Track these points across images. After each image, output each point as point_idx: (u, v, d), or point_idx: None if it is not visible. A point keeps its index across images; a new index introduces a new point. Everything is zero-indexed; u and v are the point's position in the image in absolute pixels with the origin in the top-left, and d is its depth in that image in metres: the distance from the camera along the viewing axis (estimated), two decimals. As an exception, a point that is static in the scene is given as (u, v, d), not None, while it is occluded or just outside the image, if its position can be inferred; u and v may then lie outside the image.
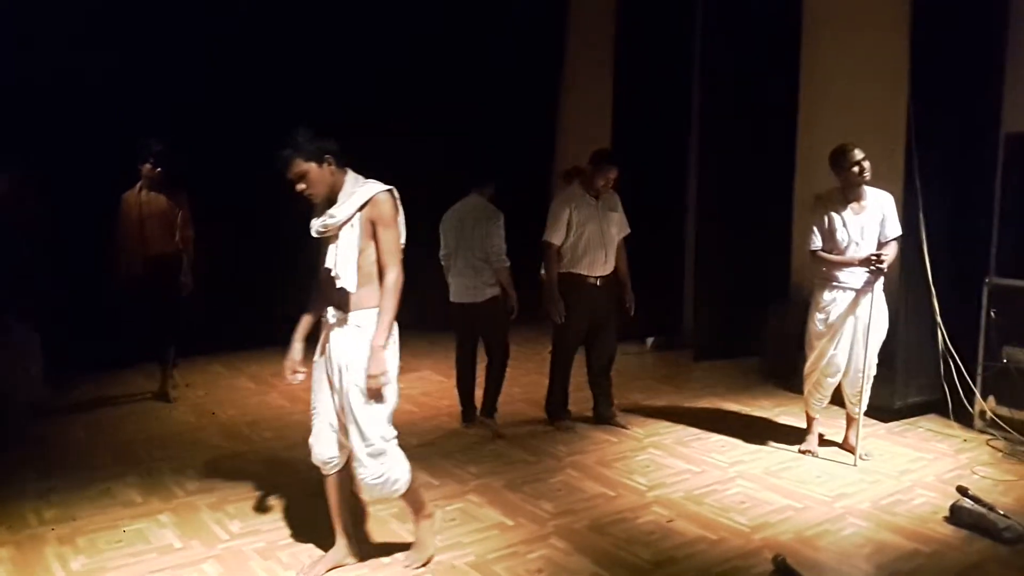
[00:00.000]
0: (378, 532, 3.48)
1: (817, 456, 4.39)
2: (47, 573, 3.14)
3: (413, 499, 3.14)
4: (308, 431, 3.10)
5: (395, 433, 3.01)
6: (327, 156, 2.88)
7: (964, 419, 4.84)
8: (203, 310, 5.72)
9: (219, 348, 6.45)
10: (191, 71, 6.20)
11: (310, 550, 3.29)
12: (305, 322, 3.09)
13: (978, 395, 4.76)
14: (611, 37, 7.35)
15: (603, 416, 4.95)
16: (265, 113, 5.33)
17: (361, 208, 2.88)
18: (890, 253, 4.15)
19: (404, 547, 3.32)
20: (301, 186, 2.89)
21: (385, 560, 3.23)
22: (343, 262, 2.87)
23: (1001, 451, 4.46)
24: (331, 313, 2.98)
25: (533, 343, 6.85)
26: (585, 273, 4.69)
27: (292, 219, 3.02)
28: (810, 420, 4.53)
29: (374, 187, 2.93)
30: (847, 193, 4.19)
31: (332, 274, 2.88)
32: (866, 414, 4.44)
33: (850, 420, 4.46)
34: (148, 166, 5.13)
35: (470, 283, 4.76)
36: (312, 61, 6.65)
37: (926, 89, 4.87)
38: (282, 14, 6.60)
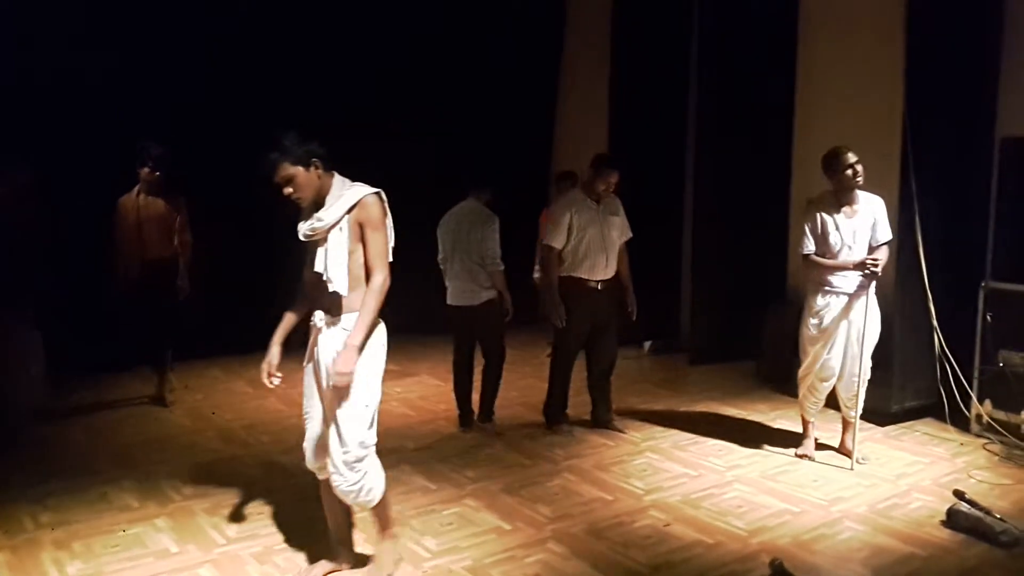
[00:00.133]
0: (375, 536, 3.47)
1: (814, 460, 4.39)
2: (43, 577, 3.14)
3: (383, 513, 3.08)
4: (304, 435, 3.09)
5: (375, 440, 2.98)
6: (314, 160, 2.85)
7: (960, 423, 4.85)
8: (201, 313, 5.72)
9: (216, 352, 6.44)
10: (191, 71, 6.20)
11: (306, 555, 3.29)
12: (285, 324, 3.06)
13: (974, 399, 4.77)
14: (609, 38, 7.36)
15: (601, 420, 4.95)
16: (265, 113, 5.32)
17: (349, 211, 2.86)
18: (883, 257, 4.16)
19: (403, 551, 3.32)
20: (288, 190, 2.86)
21: (382, 564, 3.23)
22: (334, 265, 2.85)
23: (997, 455, 4.47)
24: (319, 316, 2.95)
25: (530, 347, 6.85)
26: (586, 277, 4.69)
27: (291, 222, 3.01)
28: (806, 424, 4.53)
29: (362, 190, 2.91)
30: (839, 196, 4.20)
31: (324, 278, 2.86)
32: (863, 418, 4.45)
33: (846, 424, 4.46)
34: (147, 170, 5.12)
35: (466, 286, 4.77)
36: (312, 61, 6.66)
37: (922, 93, 4.88)
38: (282, 14, 6.61)
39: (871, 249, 4.20)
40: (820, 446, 4.53)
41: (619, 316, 4.87)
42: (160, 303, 5.26)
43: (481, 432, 4.87)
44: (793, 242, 5.86)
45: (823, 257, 4.22)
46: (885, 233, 4.22)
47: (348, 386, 2.83)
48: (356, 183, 2.95)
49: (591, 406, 5.00)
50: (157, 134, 5.24)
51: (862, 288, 4.17)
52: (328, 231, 2.86)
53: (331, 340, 2.91)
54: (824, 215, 4.20)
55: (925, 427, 4.97)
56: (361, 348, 2.85)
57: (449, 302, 4.87)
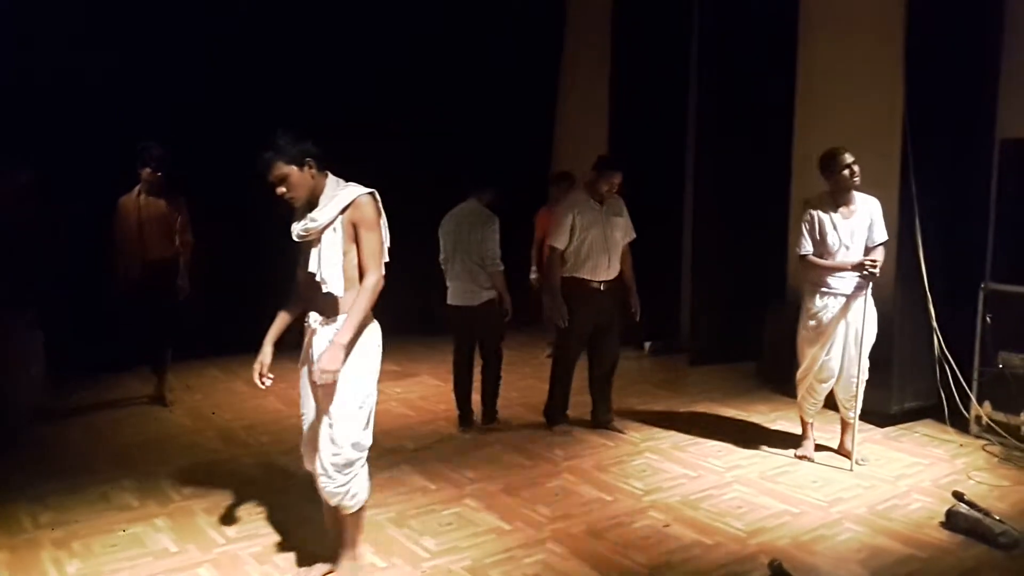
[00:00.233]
0: (374, 536, 3.47)
1: (813, 461, 4.40)
2: (43, 577, 3.14)
3: (356, 524, 3.04)
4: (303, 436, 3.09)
5: (370, 442, 2.97)
6: (308, 159, 2.83)
7: (960, 424, 4.85)
8: (202, 312, 5.72)
9: (216, 352, 6.44)
10: (191, 71, 6.20)
11: (305, 554, 3.28)
12: (278, 324, 3.04)
13: (974, 400, 4.77)
14: (609, 38, 7.36)
15: (601, 421, 4.95)
16: (265, 113, 5.32)
17: (343, 211, 2.84)
18: (880, 258, 4.16)
19: (401, 551, 3.33)
20: (282, 189, 2.84)
21: (382, 564, 3.23)
22: (328, 266, 2.82)
23: (997, 456, 4.47)
24: (313, 318, 2.93)
25: (530, 347, 6.86)
26: (588, 278, 4.69)
27: (284, 221, 3.00)
28: (805, 425, 4.53)
29: (355, 190, 2.88)
30: (836, 197, 4.20)
31: (317, 278, 2.84)
32: (862, 419, 4.45)
33: (845, 425, 4.47)
34: (148, 170, 5.11)
35: (467, 287, 4.78)
36: (312, 61, 6.66)
37: (922, 93, 4.89)
38: (282, 14, 6.61)
39: (867, 250, 4.20)
40: (819, 447, 4.53)
41: (622, 317, 4.88)
42: (160, 303, 5.26)
43: (481, 432, 4.87)
44: (792, 242, 5.85)
45: (820, 258, 4.22)
46: (881, 234, 4.22)
47: (334, 384, 2.82)
48: (350, 183, 2.93)
49: (591, 406, 5.01)
50: (157, 134, 5.24)
51: (859, 289, 4.17)
52: (322, 231, 2.84)
53: (325, 341, 2.89)
54: (821, 215, 4.20)
55: (924, 428, 4.97)
56: (349, 347, 2.83)
57: (449, 302, 4.88)
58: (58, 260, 5.33)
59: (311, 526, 3.38)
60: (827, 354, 4.27)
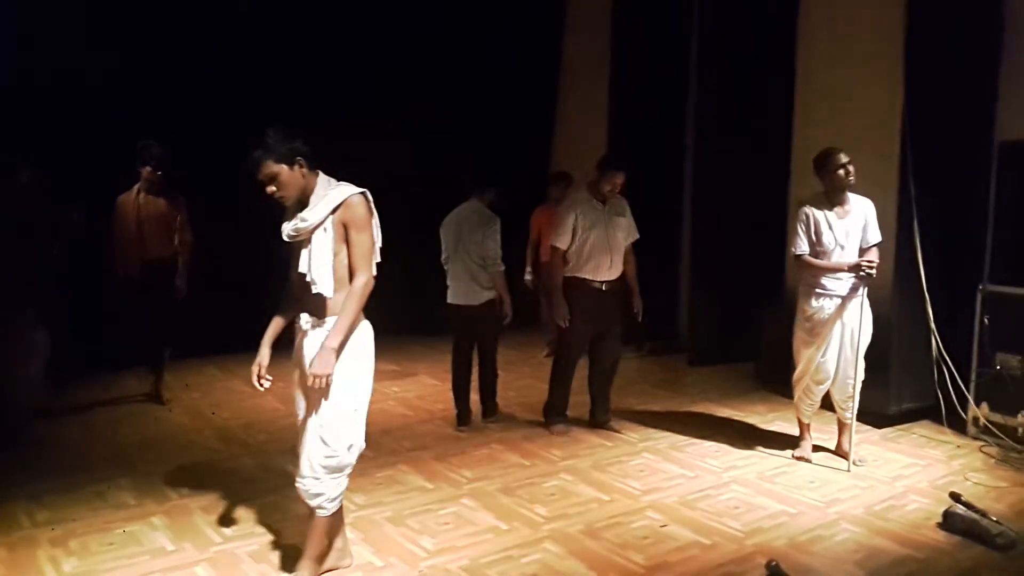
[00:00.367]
0: (373, 535, 3.48)
1: (811, 462, 4.40)
2: (39, 575, 3.13)
3: (327, 530, 3.01)
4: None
5: (363, 446, 2.96)
6: (299, 158, 2.81)
7: (957, 425, 4.85)
8: (201, 311, 5.72)
9: (214, 351, 6.45)
10: (191, 71, 6.20)
11: (301, 554, 3.27)
12: (274, 326, 3.03)
13: (971, 401, 4.77)
14: (609, 38, 7.36)
15: (598, 421, 4.95)
16: (265, 114, 5.31)
17: (333, 211, 2.82)
18: (876, 260, 4.16)
19: (399, 551, 3.33)
20: (271, 188, 2.82)
21: (379, 564, 3.23)
22: (318, 267, 2.80)
23: (994, 457, 4.47)
24: (304, 319, 2.91)
25: (528, 347, 6.86)
26: (590, 278, 4.69)
27: (276, 221, 2.98)
28: (802, 426, 4.54)
29: (347, 189, 2.86)
30: (831, 197, 4.21)
31: (307, 279, 2.82)
32: (860, 420, 4.45)
33: (842, 426, 4.47)
34: (148, 169, 5.12)
35: (468, 287, 4.80)
36: (312, 61, 6.66)
37: (922, 94, 4.89)
38: (282, 14, 6.61)
39: (862, 251, 4.20)
40: (817, 448, 4.53)
41: (624, 318, 4.88)
42: (159, 302, 5.27)
43: (481, 428, 4.89)
44: (790, 243, 5.85)
45: (816, 258, 4.22)
46: (875, 235, 4.22)
47: (327, 388, 2.80)
48: (341, 183, 2.90)
49: (590, 406, 5.01)
50: (157, 134, 5.24)
51: (855, 290, 4.17)
52: (312, 232, 2.81)
53: (315, 343, 2.87)
54: (817, 214, 4.21)
55: (922, 429, 4.97)
56: (340, 349, 2.81)
57: (450, 301, 4.89)
58: (58, 259, 5.33)
59: (307, 525, 3.37)
60: (823, 355, 4.27)
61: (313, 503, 2.93)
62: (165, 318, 5.34)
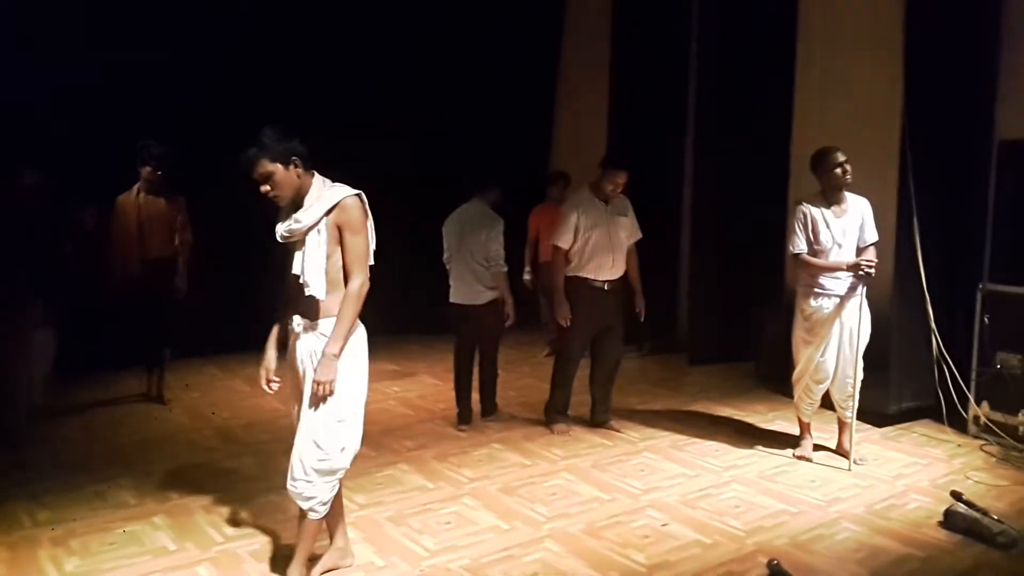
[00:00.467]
0: (375, 534, 3.48)
1: (811, 461, 4.40)
2: (40, 575, 3.13)
3: (313, 534, 3.00)
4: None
5: (357, 448, 2.96)
6: (294, 158, 2.79)
7: (958, 424, 4.86)
8: (201, 311, 5.72)
9: (214, 350, 6.45)
10: (191, 71, 6.20)
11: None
12: (277, 329, 3.02)
13: (972, 400, 4.78)
14: (609, 38, 7.36)
15: (599, 420, 4.95)
16: (265, 114, 5.31)
17: (328, 213, 2.80)
18: (874, 259, 4.17)
19: (400, 550, 3.33)
20: (266, 187, 2.79)
21: (380, 563, 3.23)
22: (311, 269, 2.78)
23: (994, 456, 4.47)
24: (297, 321, 2.90)
25: (528, 347, 6.86)
26: (591, 277, 4.69)
27: (270, 221, 2.98)
28: (803, 425, 4.54)
29: (341, 191, 2.83)
30: (828, 196, 4.21)
31: (300, 281, 2.81)
32: (860, 419, 4.45)
33: (842, 425, 4.47)
34: (148, 169, 5.12)
35: (470, 287, 4.81)
36: (312, 61, 6.66)
37: (922, 94, 4.89)
38: (282, 14, 6.61)
39: (859, 251, 4.21)
40: (817, 447, 4.54)
41: (625, 317, 4.88)
42: (160, 302, 5.27)
43: (481, 426, 4.89)
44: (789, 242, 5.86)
45: (814, 257, 4.23)
46: (872, 234, 4.23)
47: (326, 396, 2.80)
48: (336, 184, 2.88)
49: (590, 405, 5.01)
50: (157, 134, 5.24)
51: (853, 290, 4.17)
52: (306, 233, 2.80)
53: (307, 345, 2.86)
54: (814, 213, 4.21)
55: (922, 428, 4.97)
56: (339, 356, 2.81)
57: (452, 300, 4.90)
58: (65, 260, 5.34)
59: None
60: (822, 355, 4.27)
61: (305, 506, 2.92)
62: (165, 318, 5.33)
